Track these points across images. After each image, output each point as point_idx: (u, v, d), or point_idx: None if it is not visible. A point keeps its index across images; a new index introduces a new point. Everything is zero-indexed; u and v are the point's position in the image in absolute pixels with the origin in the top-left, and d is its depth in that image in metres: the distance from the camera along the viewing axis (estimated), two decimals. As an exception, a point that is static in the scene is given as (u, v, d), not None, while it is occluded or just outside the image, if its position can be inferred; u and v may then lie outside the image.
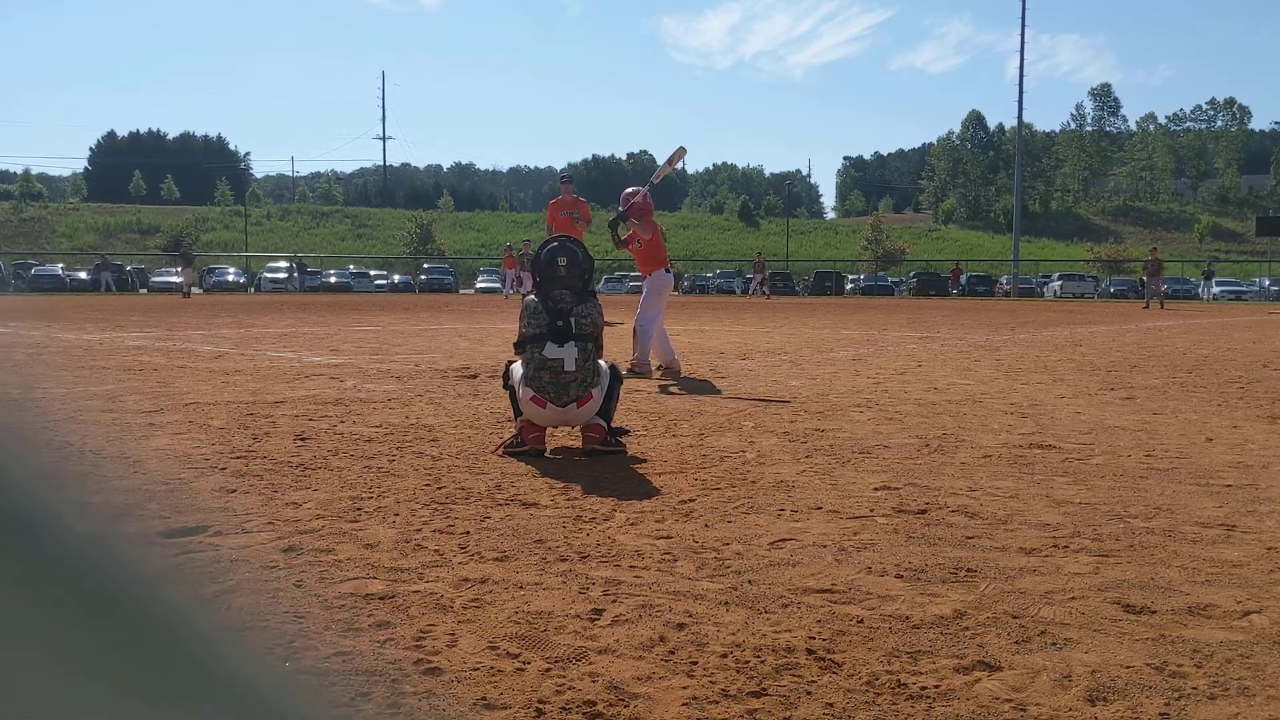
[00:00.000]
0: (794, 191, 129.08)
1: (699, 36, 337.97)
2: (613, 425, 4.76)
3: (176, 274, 46.75)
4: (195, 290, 36.87)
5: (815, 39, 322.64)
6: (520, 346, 4.71)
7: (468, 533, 3.13)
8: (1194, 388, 7.67)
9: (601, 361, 4.77)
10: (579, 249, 4.83)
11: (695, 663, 2.08)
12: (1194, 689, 1.95)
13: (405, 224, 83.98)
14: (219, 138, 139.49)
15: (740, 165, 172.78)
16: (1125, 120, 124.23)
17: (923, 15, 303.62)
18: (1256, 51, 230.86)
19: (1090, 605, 2.46)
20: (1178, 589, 2.60)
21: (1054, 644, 2.20)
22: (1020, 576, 2.71)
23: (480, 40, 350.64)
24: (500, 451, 4.60)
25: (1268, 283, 52.15)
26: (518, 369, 4.73)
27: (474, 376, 8.03)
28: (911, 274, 63.85)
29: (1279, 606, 2.46)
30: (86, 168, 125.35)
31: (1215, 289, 51.74)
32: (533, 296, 4.78)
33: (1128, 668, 2.06)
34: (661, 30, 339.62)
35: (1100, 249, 76.31)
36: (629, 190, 8.58)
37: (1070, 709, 1.86)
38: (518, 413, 4.69)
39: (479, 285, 55.35)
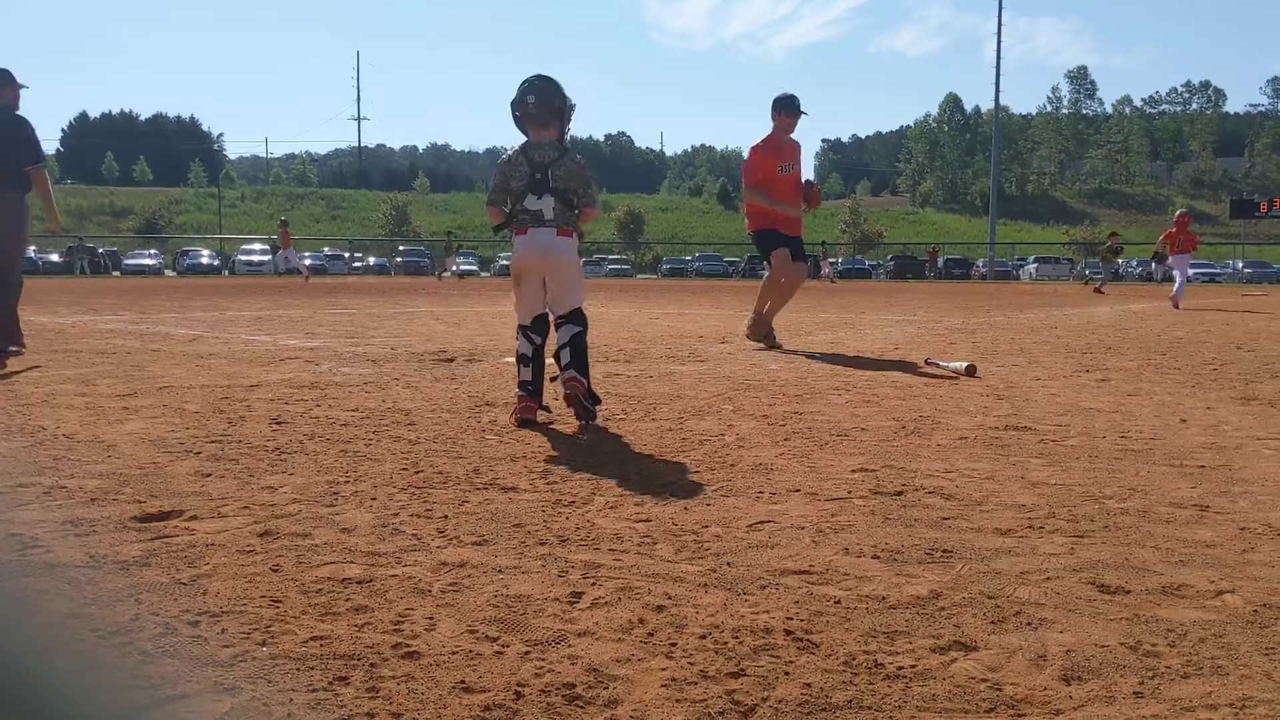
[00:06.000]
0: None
1: (680, 18, 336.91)
2: (591, 389, 4.86)
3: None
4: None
5: (796, 21, 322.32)
6: (495, 205, 4.94)
7: (446, 517, 3.12)
8: (1168, 370, 7.74)
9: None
10: (550, 85, 4.91)
11: (674, 644, 2.08)
12: (1168, 668, 1.97)
13: (381, 206, 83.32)
14: (192, 119, 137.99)
15: (719, 148, 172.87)
16: (1101, 103, 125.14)
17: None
18: (1232, 35, 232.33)
19: (1065, 586, 2.48)
20: (1152, 569, 2.62)
21: (1029, 624, 2.21)
22: (996, 557, 2.72)
23: (456, 20, 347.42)
24: (516, 419, 4.81)
25: (1241, 265, 52.66)
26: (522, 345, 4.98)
27: (451, 360, 8.00)
28: (889, 257, 64.04)
29: (1252, 586, 2.49)
30: (58, 149, 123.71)
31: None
32: (512, 148, 5.01)
33: (1102, 647, 2.07)
34: (642, 11, 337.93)
35: (1076, 231, 76.87)
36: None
37: (1045, 688, 1.87)
38: (522, 386, 4.89)
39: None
